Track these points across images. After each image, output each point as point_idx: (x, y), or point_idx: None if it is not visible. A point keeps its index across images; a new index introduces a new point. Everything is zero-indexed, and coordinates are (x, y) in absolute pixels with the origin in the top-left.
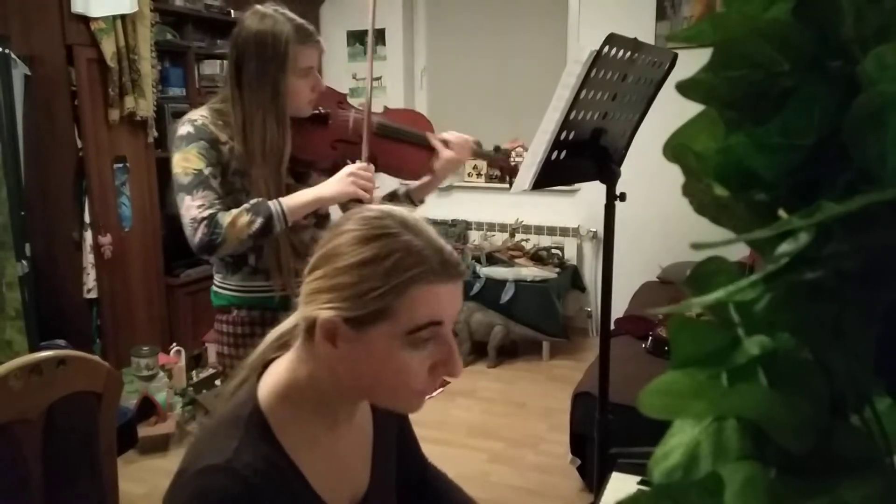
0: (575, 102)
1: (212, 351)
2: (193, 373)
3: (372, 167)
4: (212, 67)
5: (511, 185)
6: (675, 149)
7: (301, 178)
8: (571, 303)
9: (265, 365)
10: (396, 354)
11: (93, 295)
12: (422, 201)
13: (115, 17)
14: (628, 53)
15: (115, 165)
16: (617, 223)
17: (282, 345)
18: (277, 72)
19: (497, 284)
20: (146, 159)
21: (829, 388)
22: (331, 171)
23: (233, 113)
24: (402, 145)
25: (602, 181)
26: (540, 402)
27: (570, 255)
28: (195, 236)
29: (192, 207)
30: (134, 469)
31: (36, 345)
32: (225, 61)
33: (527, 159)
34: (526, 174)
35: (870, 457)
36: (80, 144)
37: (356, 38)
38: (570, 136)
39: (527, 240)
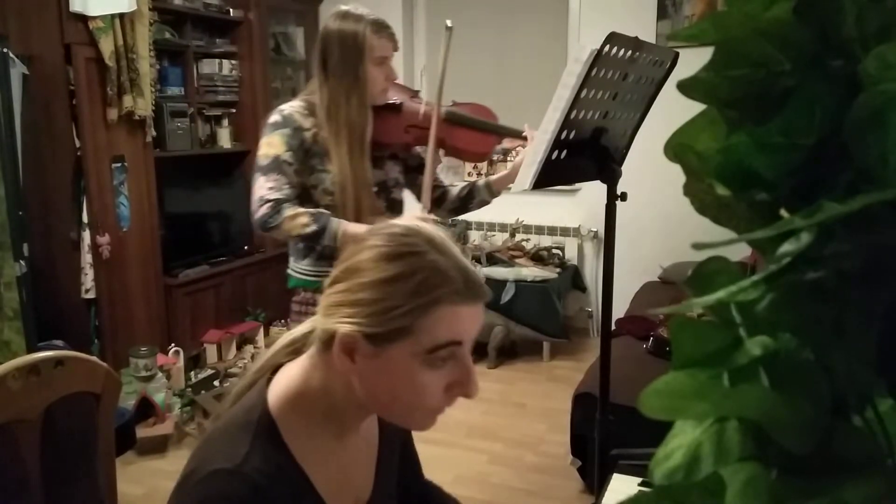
0: (575, 101)
1: (211, 351)
2: (192, 373)
3: (432, 217)
4: (210, 66)
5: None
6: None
7: (376, 163)
8: (572, 303)
9: (275, 370)
10: (415, 373)
11: (91, 295)
12: (499, 193)
13: (113, 16)
14: (629, 52)
15: (114, 165)
16: (618, 223)
17: (294, 350)
18: (358, 60)
19: (497, 284)
20: (145, 159)
21: (831, 388)
22: (404, 161)
23: (319, 99)
24: (468, 131)
25: (603, 181)
26: (540, 403)
27: (571, 255)
28: (257, 212)
29: (263, 187)
30: (132, 470)
31: (34, 345)
32: (223, 60)
33: (527, 159)
34: (526, 174)
35: (871, 457)
36: (78, 144)
37: None
38: (571, 136)
39: (527, 240)
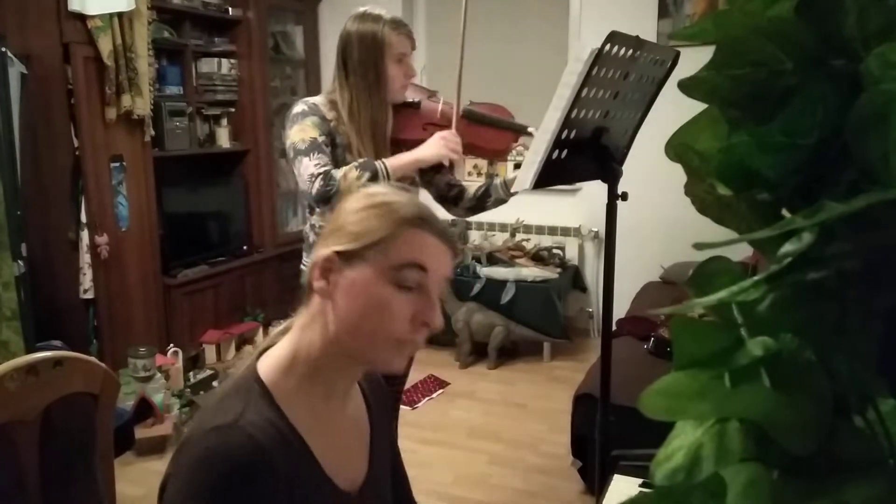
0: (576, 101)
1: (209, 352)
2: (191, 374)
3: (458, 135)
4: (209, 65)
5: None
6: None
7: None
8: (572, 303)
9: (266, 350)
10: (381, 288)
11: (89, 295)
12: (516, 192)
13: (111, 15)
14: (630, 51)
15: (112, 164)
16: (619, 223)
17: (284, 331)
18: (378, 58)
19: (497, 285)
20: (143, 158)
21: (832, 388)
22: None
23: (340, 98)
24: (485, 128)
25: (603, 180)
26: (541, 404)
27: (572, 255)
28: (312, 188)
29: (309, 166)
30: (131, 471)
31: (32, 345)
32: (222, 59)
33: (528, 158)
34: (527, 173)
35: (873, 458)
36: (76, 143)
37: None
38: (572, 135)
39: (527, 240)
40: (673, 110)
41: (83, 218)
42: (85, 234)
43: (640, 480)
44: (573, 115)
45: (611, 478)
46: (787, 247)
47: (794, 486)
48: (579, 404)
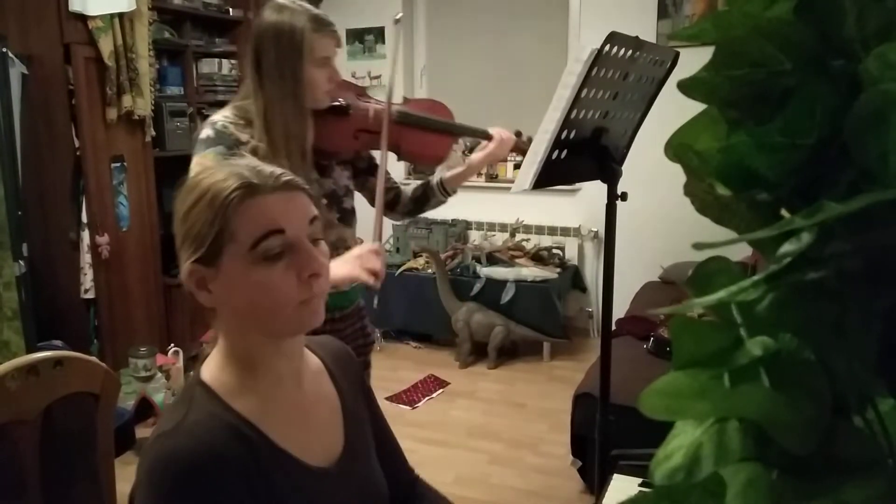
0: (576, 101)
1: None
2: (191, 374)
3: (383, 248)
4: (210, 66)
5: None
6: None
7: (324, 171)
8: (572, 303)
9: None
10: (253, 274)
11: (90, 295)
12: (454, 191)
13: (112, 16)
14: (629, 52)
15: (113, 165)
16: (618, 223)
17: (216, 339)
18: (295, 61)
19: (497, 285)
20: (144, 158)
21: (832, 388)
22: (352, 163)
23: (254, 105)
24: (424, 133)
25: (603, 181)
26: (540, 403)
27: (571, 255)
28: None
29: None
30: (132, 471)
31: (33, 345)
32: (223, 59)
33: (527, 158)
34: (527, 173)
35: (872, 458)
36: (77, 143)
37: (356, 36)
38: (571, 136)
39: (527, 240)
40: (672, 110)
41: (84, 218)
42: (86, 234)
43: (639, 480)
44: (573, 115)
45: (610, 477)
46: (787, 247)
47: (794, 485)
48: (579, 404)
